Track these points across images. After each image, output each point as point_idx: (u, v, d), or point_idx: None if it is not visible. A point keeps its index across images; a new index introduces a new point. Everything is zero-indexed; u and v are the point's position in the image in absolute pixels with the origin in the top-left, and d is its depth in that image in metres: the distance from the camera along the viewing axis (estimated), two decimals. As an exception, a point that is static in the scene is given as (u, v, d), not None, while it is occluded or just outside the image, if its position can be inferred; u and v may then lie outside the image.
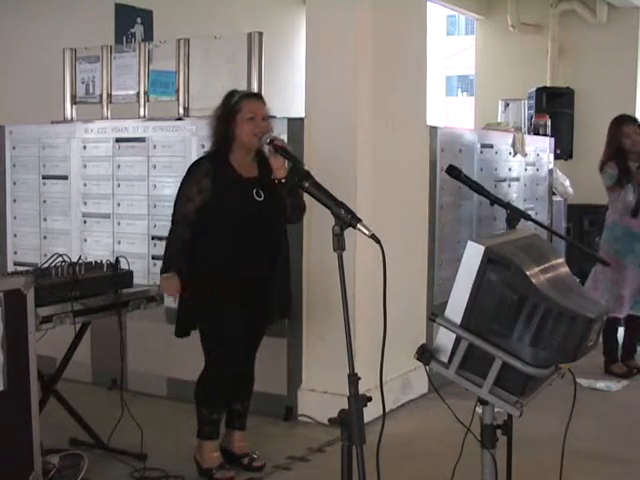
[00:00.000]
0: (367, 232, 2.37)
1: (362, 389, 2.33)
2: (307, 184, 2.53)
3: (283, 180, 3.77)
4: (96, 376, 5.43)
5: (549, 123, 7.34)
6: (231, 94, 3.94)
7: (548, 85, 9.51)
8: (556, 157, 7.64)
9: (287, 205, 3.86)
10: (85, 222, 5.49)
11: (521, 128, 6.85)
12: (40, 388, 3.71)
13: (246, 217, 3.85)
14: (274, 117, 4.87)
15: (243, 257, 3.84)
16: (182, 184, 3.93)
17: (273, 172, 3.80)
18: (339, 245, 2.37)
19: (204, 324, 3.93)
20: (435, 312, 2.43)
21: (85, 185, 5.47)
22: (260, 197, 3.87)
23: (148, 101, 5.38)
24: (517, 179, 6.48)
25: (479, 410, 2.58)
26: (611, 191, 5.76)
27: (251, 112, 3.85)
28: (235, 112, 3.86)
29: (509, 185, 6.34)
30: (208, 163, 3.91)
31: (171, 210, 3.97)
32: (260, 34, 4.88)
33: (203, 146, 4.71)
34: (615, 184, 5.70)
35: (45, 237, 5.66)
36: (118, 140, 5.31)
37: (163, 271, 3.92)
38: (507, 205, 4.53)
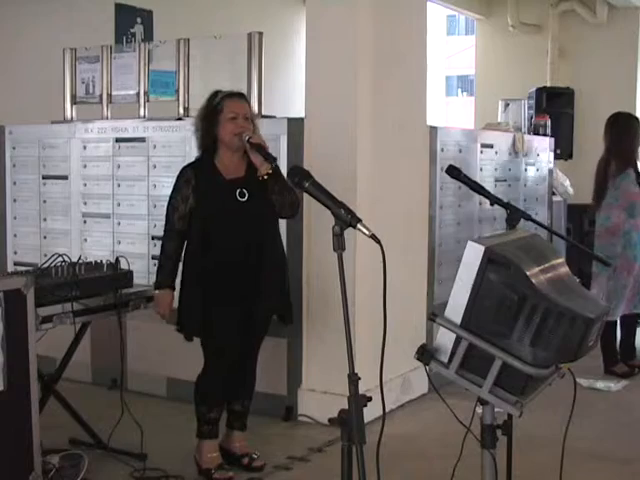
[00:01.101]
0: (367, 232, 2.36)
1: (362, 389, 2.32)
2: (307, 184, 2.52)
3: (265, 177, 3.77)
4: (96, 376, 5.43)
5: (549, 123, 7.32)
6: (214, 94, 3.94)
7: (548, 85, 9.51)
8: (556, 157, 7.63)
9: (275, 202, 3.84)
10: (85, 222, 5.49)
11: (521, 128, 6.84)
12: (40, 388, 3.71)
13: (226, 219, 3.83)
14: (274, 117, 4.89)
15: (223, 258, 3.82)
16: (170, 195, 3.95)
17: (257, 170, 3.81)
18: (339, 245, 2.36)
19: (196, 324, 3.92)
20: (435, 312, 2.42)
21: (85, 185, 5.47)
22: (243, 197, 3.84)
23: (148, 101, 5.38)
24: (517, 179, 6.48)
25: (479, 410, 2.57)
26: (636, 196, 5.65)
27: (232, 112, 3.84)
28: (217, 112, 3.86)
29: (509, 185, 6.34)
30: (190, 170, 3.92)
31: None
32: (260, 34, 4.88)
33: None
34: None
35: (45, 237, 5.66)
36: (118, 140, 5.31)
37: (155, 287, 3.95)
38: (507, 205, 4.52)
